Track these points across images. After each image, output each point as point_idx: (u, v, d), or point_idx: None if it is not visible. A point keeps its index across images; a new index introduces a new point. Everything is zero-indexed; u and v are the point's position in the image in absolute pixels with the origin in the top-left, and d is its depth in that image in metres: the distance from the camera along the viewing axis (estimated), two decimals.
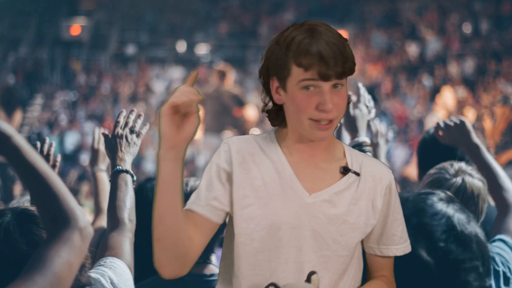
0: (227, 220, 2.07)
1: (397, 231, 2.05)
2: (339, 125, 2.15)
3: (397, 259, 2.09)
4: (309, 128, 1.92)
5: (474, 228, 2.20)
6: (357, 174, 2.00)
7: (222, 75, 11.16)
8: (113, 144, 2.62)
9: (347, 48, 1.89)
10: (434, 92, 14.14)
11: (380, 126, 3.46)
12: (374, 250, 2.06)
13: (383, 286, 2.07)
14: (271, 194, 1.96)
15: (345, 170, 2.00)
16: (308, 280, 1.89)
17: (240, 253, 1.97)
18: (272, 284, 1.85)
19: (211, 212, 1.96)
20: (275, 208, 1.95)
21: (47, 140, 2.90)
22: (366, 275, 2.10)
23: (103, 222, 3.04)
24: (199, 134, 12.34)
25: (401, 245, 2.06)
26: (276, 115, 2.01)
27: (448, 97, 13.38)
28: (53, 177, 1.64)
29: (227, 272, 2.06)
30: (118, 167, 2.55)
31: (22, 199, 3.22)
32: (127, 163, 2.58)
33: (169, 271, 1.91)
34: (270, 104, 2.01)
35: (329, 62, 1.85)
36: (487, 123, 11.56)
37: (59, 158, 2.91)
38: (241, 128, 10.96)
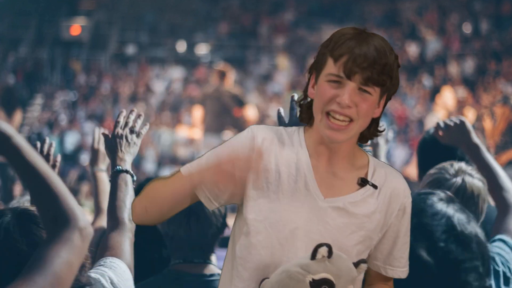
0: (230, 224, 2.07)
1: (405, 254, 2.03)
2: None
3: None
4: (322, 124, 1.90)
5: (474, 228, 2.20)
6: (375, 187, 1.96)
7: (222, 75, 11.14)
8: (113, 144, 2.62)
9: (388, 58, 1.87)
10: (434, 92, 14.14)
11: None
12: (379, 268, 2.02)
13: None
14: (284, 190, 1.93)
15: (362, 182, 1.96)
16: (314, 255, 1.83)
17: (248, 243, 1.95)
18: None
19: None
20: (286, 204, 1.92)
21: (47, 140, 2.90)
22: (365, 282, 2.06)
23: (103, 222, 3.04)
24: (199, 134, 12.33)
25: (405, 268, 2.04)
26: (306, 110, 2.00)
27: (448, 97, 13.37)
28: (53, 177, 1.64)
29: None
30: (118, 167, 2.54)
31: (22, 199, 3.22)
32: (127, 163, 2.58)
33: None
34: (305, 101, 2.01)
35: (357, 58, 1.85)
36: (487, 123, 11.55)
37: (59, 158, 2.91)
38: (241, 128, 10.94)
